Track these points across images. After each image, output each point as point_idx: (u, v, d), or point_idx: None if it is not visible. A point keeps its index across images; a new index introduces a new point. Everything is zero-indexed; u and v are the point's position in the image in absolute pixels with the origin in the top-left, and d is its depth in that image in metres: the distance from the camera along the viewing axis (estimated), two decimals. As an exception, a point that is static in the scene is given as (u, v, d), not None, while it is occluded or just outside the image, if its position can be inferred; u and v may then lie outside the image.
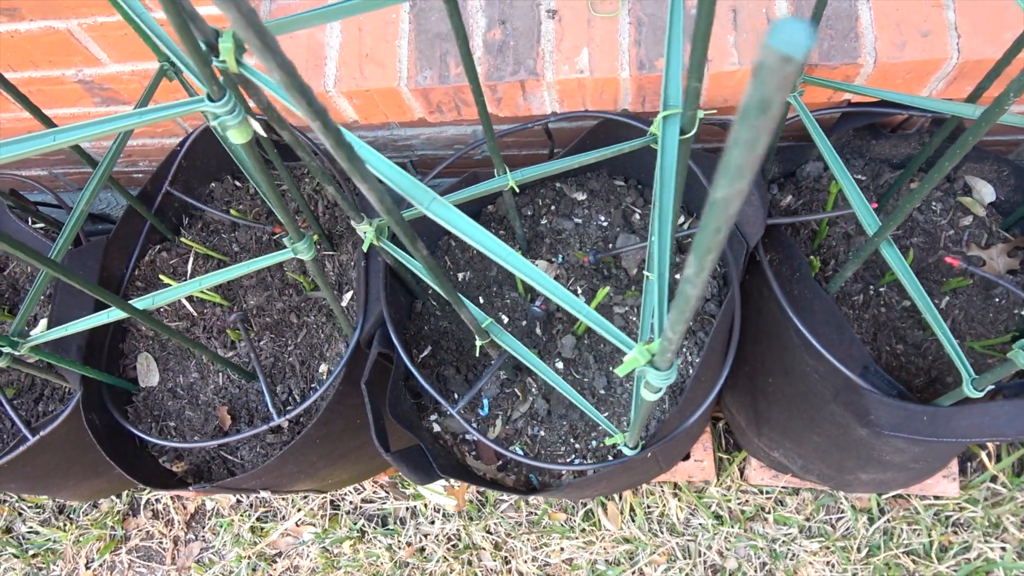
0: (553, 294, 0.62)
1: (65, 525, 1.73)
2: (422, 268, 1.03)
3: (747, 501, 1.54)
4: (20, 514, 1.76)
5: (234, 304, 1.35)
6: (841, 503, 1.52)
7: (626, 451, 1.02)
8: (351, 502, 1.67)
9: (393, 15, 1.15)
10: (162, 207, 1.36)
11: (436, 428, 1.29)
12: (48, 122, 1.06)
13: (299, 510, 1.66)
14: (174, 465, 1.27)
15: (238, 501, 1.71)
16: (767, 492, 1.54)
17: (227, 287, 1.37)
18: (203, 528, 1.71)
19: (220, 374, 1.31)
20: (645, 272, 1.09)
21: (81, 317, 1.23)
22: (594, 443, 1.23)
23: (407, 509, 1.66)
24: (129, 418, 1.25)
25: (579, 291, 1.35)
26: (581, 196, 1.40)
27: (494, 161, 1.05)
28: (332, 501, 1.67)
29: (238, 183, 1.45)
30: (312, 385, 1.30)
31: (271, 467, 1.15)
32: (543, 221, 1.40)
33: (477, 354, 1.29)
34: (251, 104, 0.74)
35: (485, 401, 1.27)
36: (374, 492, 1.67)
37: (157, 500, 1.74)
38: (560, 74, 1.09)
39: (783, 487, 1.53)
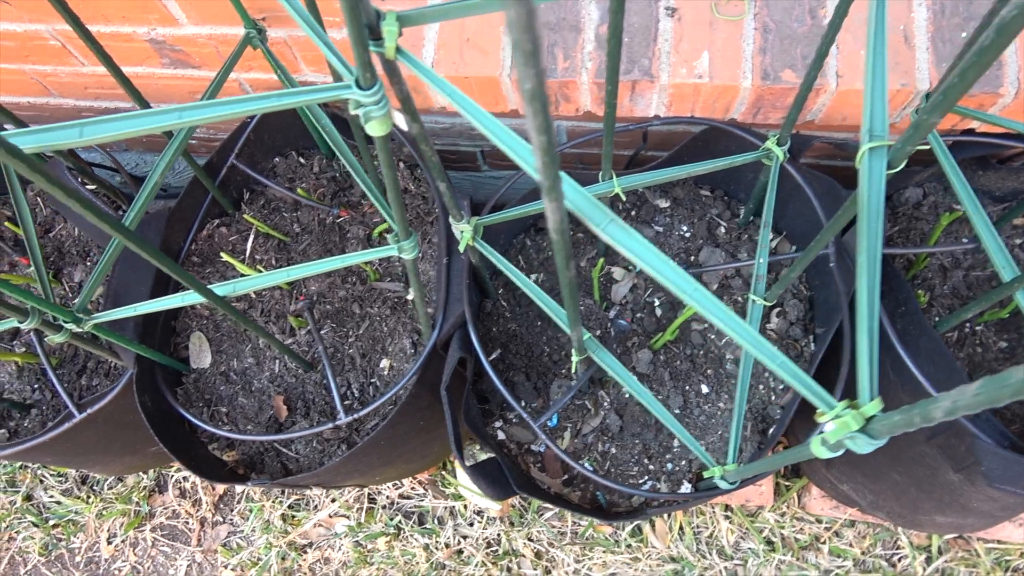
0: (753, 348, 0.56)
1: (88, 497, 1.68)
2: (517, 274, 0.97)
3: (802, 529, 1.49)
4: (41, 481, 1.71)
5: (294, 289, 1.29)
6: (899, 539, 1.47)
7: (723, 485, 0.96)
8: (388, 497, 1.61)
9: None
10: (224, 180, 1.29)
11: (500, 436, 1.23)
12: (122, 78, 0.98)
13: (333, 501, 1.61)
14: (225, 454, 1.21)
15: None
16: (824, 522, 1.49)
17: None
18: (231, 511, 1.66)
19: (277, 361, 1.25)
20: (751, 297, 1.03)
21: (139, 291, 1.16)
22: (669, 465, 1.17)
23: (446, 509, 1.60)
24: (179, 400, 1.19)
25: (656, 302, 1.28)
26: (664, 203, 1.34)
27: (603, 165, 0.98)
28: (368, 495, 1.61)
29: (302, 160, 1.38)
30: (372, 380, 1.24)
31: (333, 468, 1.09)
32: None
33: (546, 359, 1.23)
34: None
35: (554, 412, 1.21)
36: (412, 488, 1.62)
37: (185, 478, 1.68)
38: (677, 77, 1.02)
39: (839, 518, 1.48)
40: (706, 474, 0.95)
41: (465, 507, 1.60)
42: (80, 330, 0.96)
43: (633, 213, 1.33)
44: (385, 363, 1.25)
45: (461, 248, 0.95)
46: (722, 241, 1.30)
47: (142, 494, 1.67)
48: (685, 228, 1.32)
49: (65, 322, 0.95)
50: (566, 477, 1.22)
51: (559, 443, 1.22)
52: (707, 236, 1.30)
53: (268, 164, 1.36)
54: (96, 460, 1.39)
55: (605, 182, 1.01)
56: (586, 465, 1.19)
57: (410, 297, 1.28)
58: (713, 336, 1.25)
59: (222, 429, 1.14)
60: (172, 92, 1.34)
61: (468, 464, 0.99)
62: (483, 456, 1.58)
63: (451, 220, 0.94)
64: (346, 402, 1.23)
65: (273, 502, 1.63)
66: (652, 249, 0.56)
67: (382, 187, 1.34)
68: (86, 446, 1.28)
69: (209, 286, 0.86)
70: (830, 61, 1.00)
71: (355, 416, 1.07)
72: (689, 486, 1.16)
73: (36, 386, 1.28)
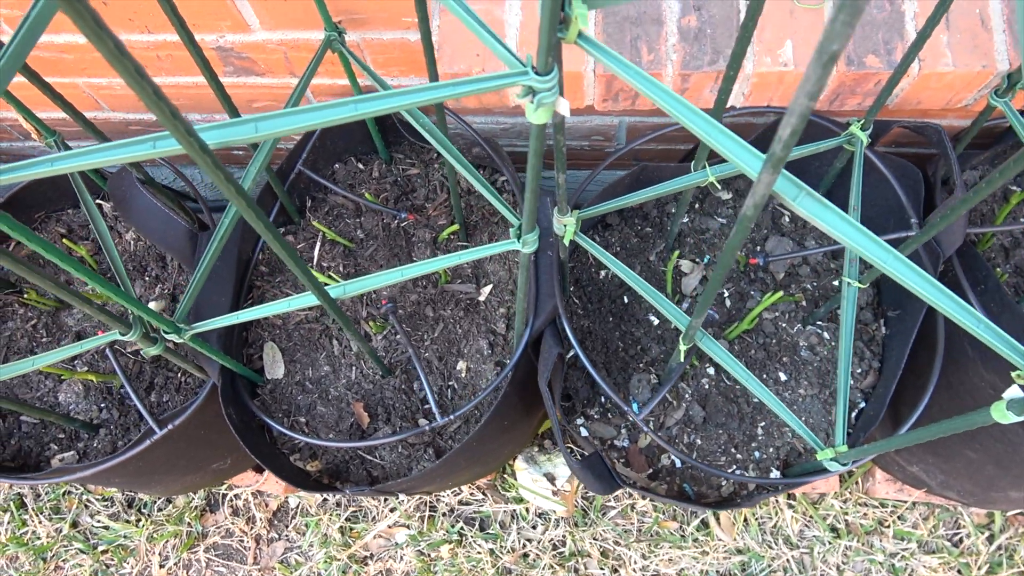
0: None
1: (137, 520, 1.63)
2: (621, 267, 0.97)
3: (866, 514, 1.50)
4: (87, 507, 1.66)
5: (371, 294, 1.27)
6: (961, 519, 1.49)
7: (832, 467, 0.97)
8: (447, 504, 1.60)
9: (578, -5, 1.08)
10: (289, 188, 1.28)
11: (584, 432, 1.23)
12: (219, 87, 0.97)
13: (393, 511, 1.59)
14: (308, 464, 1.19)
15: (324, 500, 1.63)
16: (888, 506, 1.51)
17: (357, 274, 1.29)
18: (287, 527, 1.63)
19: (353, 368, 1.23)
20: (845, 278, 1.04)
21: (220, 301, 1.15)
22: (757, 454, 1.18)
23: (507, 512, 1.59)
24: (259, 411, 1.17)
25: (726, 293, 1.29)
26: (727, 195, 1.35)
27: (698, 154, 0.99)
28: (428, 503, 1.60)
29: (361, 165, 1.37)
30: (450, 383, 1.23)
31: (428, 473, 1.08)
32: (684, 219, 1.34)
33: (622, 354, 1.23)
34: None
35: (635, 405, 1.21)
36: (471, 494, 1.61)
37: (237, 496, 1.65)
38: (761, 66, 1.04)
39: (903, 501, 1.49)
40: (819, 455, 0.96)
41: (527, 510, 1.59)
42: (180, 341, 0.94)
43: (696, 205, 1.34)
44: (461, 365, 1.24)
45: (566, 240, 0.95)
46: (787, 230, 1.31)
47: (194, 514, 1.63)
48: (748, 219, 1.33)
49: (166, 333, 0.93)
50: (651, 471, 1.22)
51: (642, 437, 1.22)
52: (771, 226, 1.32)
53: (329, 171, 1.35)
54: (159, 480, 1.36)
55: (699, 171, 1.01)
56: (680, 450, 1.19)
57: (482, 298, 1.28)
58: (784, 325, 1.26)
59: (330, 441, 1.12)
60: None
61: (577, 460, 0.99)
62: (544, 457, 1.58)
63: (556, 214, 0.94)
64: (425, 406, 1.22)
65: (330, 515, 1.60)
66: (849, 220, 0.56)
67: (444, 186, 1.34)
68: (155, 465, 1.25)
69: (327, 287, 0.85)
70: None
71: (455, 415, 1.06)
72: (777, 472, 1.17)
73: (103, 405, 1.25)
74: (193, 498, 1.65)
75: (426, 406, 1.22)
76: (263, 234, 0.62)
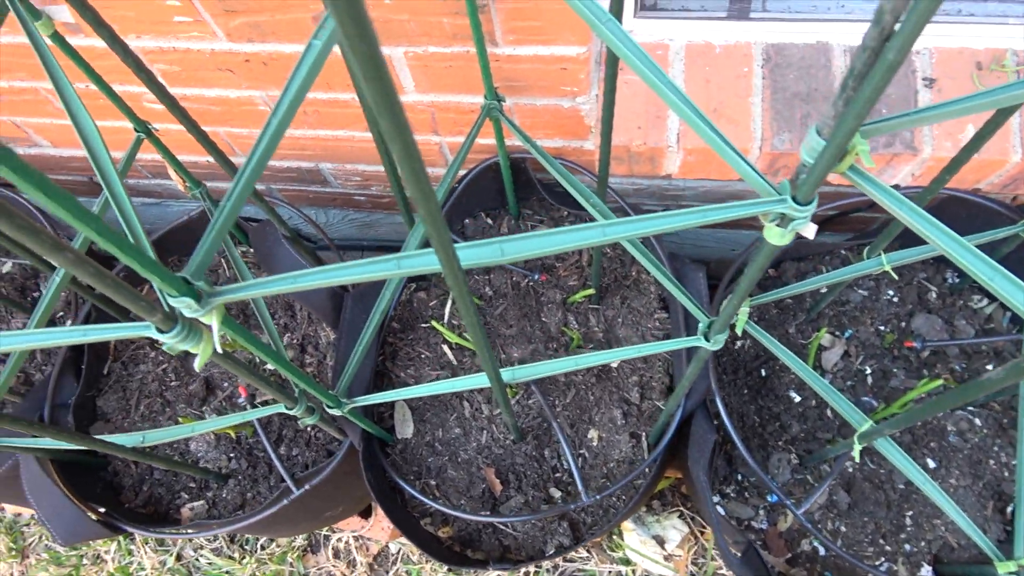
0: None
1: (241, 557, 1.64)
2: (792, 358, 0.93)
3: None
4: (191, 540, 1.67)
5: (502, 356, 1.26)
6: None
7: (1014, 580, 0.91)
8: (551, 561, 1.57)
9: (745, 68, 1.05)
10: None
11: (720, 511, 1.19)
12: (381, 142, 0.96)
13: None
14: (439, 530, 1.18)
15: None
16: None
17: (488, 332, 1.27)
18: (387, 573, 1.62)
19: (484, 431, 1.21)
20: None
21: (362, 372, 1.14)
22: (907, 546, 1.13)
23: (612, 573, 1.56)
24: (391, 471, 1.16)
25: (868, 371, 1.24)
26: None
27: (876, 242, 0.95)
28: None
29: (490, 220, 1.36)
30: (580, 451, 1.20)
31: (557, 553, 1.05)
32: (823, 290, 1.30)
33: (760, 431, 1.19)
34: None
35: (773, 485, 1.17)
36: (575, 552, 1.58)
37: (339, 539, 1.64)
38: (940, 151, 0.99)
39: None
40: (999, 568, 0.91)
41: (633, 572, 1.55)
42: (339, 414, 0.93)
43: (836, 277, 1.30)
44: (593, 434, 1.21)
45: (739, 330, 0.92)
46: (934, 307, 1.26)
47: (296, 554, 1.63)
48: (892, 292, 1.28)
49: (329, 407, 0.92)
50: (790, 556, 1.18)
51: (782, 521, 1.18)
52: (917, 301, 1.26)
53: (459, 226, 1.34)
54: (277, 530, 1.36)
55: (873, 259, 0.97)
56: (822, 539, 1.15)
57: (614, 365, 1.25)
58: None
59: (438, 503, 1.11)
60: (361, 154, 1.32)
61: (737, 557, 0.95)
62: (652, 518, 1.54)
63: (727, 302, 0.91)
64: (556, 474, 1.19)
65: (432, 564, 1.59)
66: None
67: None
68: (282, 519, 1.24)
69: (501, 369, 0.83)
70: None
71: (601, 496, 1.04)
72: (929, 569, 1.11)
73: (232, 455, 1.26)
74: (296, 538, 1.65)
75: (557, 475, 1.19)
76: (471, 328, 0.60)
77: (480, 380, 0.87)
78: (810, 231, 0.61)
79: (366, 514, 1.59)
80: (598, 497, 1.04)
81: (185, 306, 0.52)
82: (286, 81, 0.58)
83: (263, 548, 1.65)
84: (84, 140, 0.70)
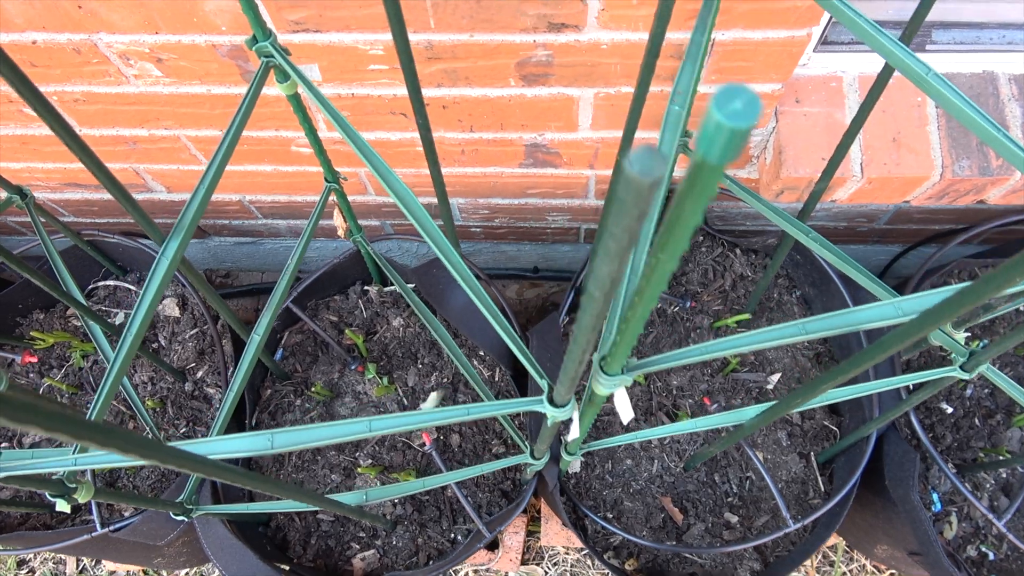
0: None
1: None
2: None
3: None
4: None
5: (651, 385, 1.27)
6: None
7: None
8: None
9: (918, 98, 1.09)
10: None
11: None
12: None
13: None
14: (626, 563, 1.18)
15: None
16: None
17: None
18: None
19: (655, 461, 1.23)
20: None
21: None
22: (1073, 545, 1.19)
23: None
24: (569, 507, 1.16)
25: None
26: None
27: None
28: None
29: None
30: (747, 474, 1.22)
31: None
32: None
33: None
34: None
35: (934, 495, 1.22)
36: None
37: (456, 571, 1.63)
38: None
39: None
40: None
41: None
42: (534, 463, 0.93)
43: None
44: (759, 455, 1.23)
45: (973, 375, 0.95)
46: (1061, 314, 1.33)
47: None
48: None
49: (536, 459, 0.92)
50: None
51: (947, 530, 1.22)
52: (1043, 309, 1.33)
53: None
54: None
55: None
56: (990, 543, 1.20)
57: (770, 386, 1.28)
58: (1066, 408, 1.27)
59: (629, 534, 1.12)
60: (506, 188, 1.32)
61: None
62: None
63: (949, 332, 0.94)
64: (728, 499, 1.21)
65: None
66: None
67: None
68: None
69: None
70: None
71: (808, 520, 1.06)
72: (1095, 565, 1.18)
73: (396, 501, 1.24)
74: None
75: (729, 499, 1.21)
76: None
77: (670, 429, 0.88)
78: None
79: (493, 547, 1.58)
80: (805, 523, 1.06)
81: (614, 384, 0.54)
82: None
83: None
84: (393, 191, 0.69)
